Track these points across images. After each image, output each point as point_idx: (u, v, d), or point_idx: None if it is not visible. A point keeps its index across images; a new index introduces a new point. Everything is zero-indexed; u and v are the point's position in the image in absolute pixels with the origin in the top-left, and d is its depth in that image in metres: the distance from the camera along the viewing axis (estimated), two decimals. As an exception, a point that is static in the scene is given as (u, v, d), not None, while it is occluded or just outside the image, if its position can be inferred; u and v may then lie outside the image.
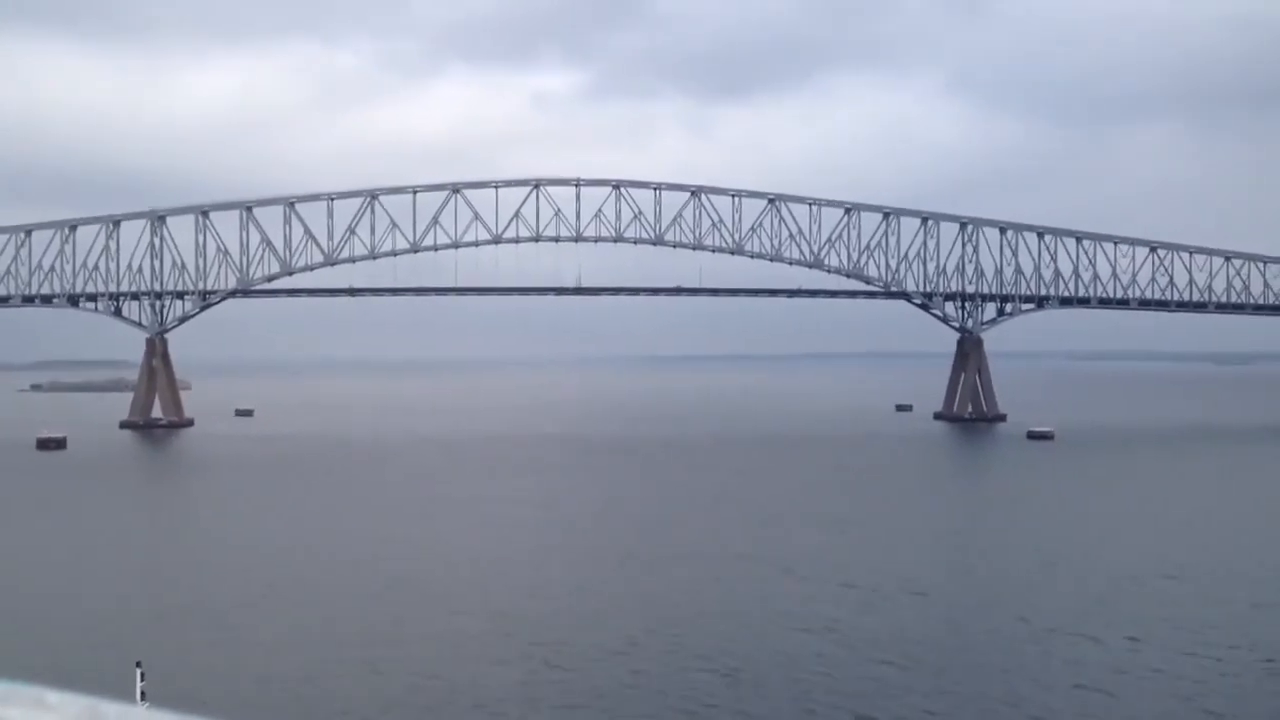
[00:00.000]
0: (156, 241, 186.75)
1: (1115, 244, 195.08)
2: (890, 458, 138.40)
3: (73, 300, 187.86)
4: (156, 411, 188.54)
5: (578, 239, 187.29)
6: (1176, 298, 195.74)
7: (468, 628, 52.39)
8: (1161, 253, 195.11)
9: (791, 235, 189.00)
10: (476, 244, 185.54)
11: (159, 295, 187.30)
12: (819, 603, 57.03)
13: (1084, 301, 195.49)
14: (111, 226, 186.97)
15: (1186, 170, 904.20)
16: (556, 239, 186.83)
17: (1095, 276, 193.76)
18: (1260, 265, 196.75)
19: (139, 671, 35.04)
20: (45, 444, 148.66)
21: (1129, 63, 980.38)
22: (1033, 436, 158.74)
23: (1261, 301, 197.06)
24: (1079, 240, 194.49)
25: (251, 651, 48.80)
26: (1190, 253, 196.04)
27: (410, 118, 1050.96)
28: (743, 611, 55.33)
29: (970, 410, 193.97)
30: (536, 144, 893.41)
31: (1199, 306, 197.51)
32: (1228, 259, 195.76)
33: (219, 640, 50.44)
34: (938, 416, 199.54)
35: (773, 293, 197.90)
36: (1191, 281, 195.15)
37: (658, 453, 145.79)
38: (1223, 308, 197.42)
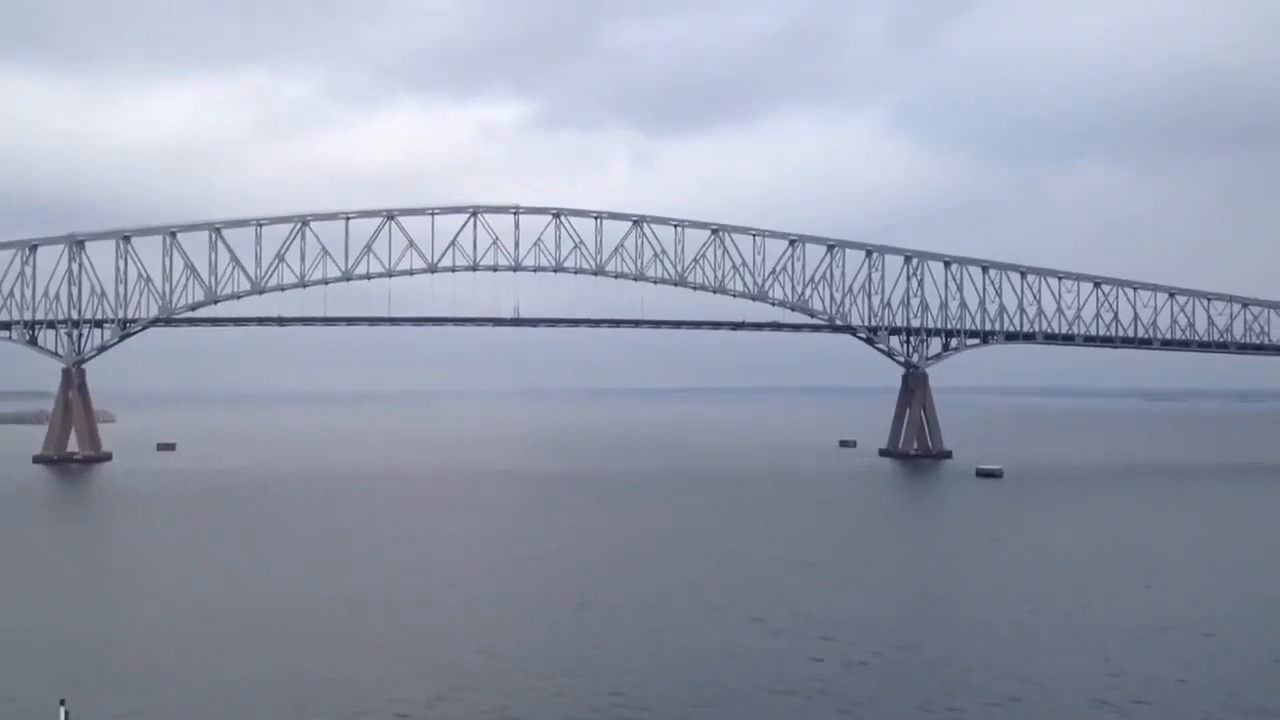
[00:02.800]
0: (75, 267, 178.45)
1: (1060, 279, 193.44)
2: (842, 496, 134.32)
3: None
4: (73, 445, 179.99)
5: (516, 268, 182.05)
6: (1121, 334, 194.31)
7: (413, 694, 46.63)
8: (1106, 288, 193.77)
9: (735, 267, 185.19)
10: (411, 273, 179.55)
11: (76, 324, 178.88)
12: (800, 659, 52.09)
13: (1029, 337, 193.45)
14: (28, 251, 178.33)
15: (1128, 209, 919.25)
16: (494, 268, 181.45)
17: (1040, 312, 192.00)
18: (1204, 301, 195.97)
19: (63, 710, 33.98)
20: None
21: (1072, 103, 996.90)
22: (981, 474, 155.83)
23: (1206, 339, 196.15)
24: (1024, 275, 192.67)
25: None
26: (1134, 289, 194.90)
27: (356, 148, 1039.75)
28: (717, 670, 50.20)
29: (916, 446, 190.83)
30: (482, 175, 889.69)
31: (1144, 343, 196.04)
32: (1171, 295, 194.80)
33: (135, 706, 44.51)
34: (883, 453, 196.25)
35: (715, 325, 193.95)
36: (1136, 318, 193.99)
37: (603, 490, 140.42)
38: (1167, 344, 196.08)
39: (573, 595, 68.32)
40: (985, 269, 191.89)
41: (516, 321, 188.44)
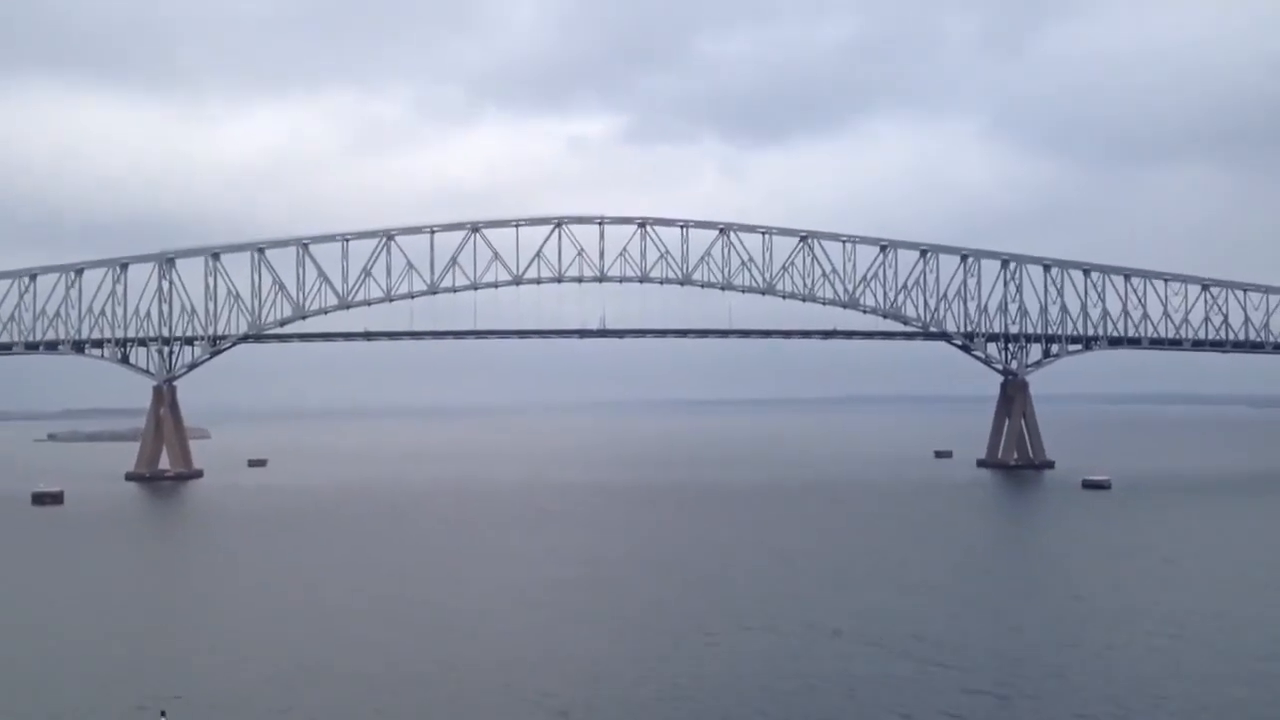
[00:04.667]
0: (165, 285, 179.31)
1: (1166, 281, 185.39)
2: (946, 510, 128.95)
3: (78, 347, 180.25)
4: (164, 462, 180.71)
5: (602, 279, 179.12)
6: (1232, 337, 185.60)
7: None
8: (1215, 290, 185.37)
9: (824, 274, 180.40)
10: (496, 285, 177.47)
11: (167, 341, 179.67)
12: (932, 690, 47.78)
13: (1135, 342, 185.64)
14: (119, 270, 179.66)
15: (1223, 210, 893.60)
16: (580, 279, 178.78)
17: (1145, 316, 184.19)
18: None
19: None
20: (41, 498, 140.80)
21: (1169, 104, 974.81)
22: (1088, 486, 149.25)
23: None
24: (1128, 278, 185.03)
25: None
26: (1245, 290, 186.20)
27: (447, 164, 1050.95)
28: (839, 701, 46.26)
29: (1016, 457, 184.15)
30: (570, 189, 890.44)
31: (1255, 346, 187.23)
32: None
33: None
34: (981, 464, 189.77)
35: (805, 334, 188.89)
36: (1247, 320, 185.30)
37: (698, 503, 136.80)
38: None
39: (680, 620, 64.58)
40: (1087, 272, 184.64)
41: (603, 333, 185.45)
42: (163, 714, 34.11)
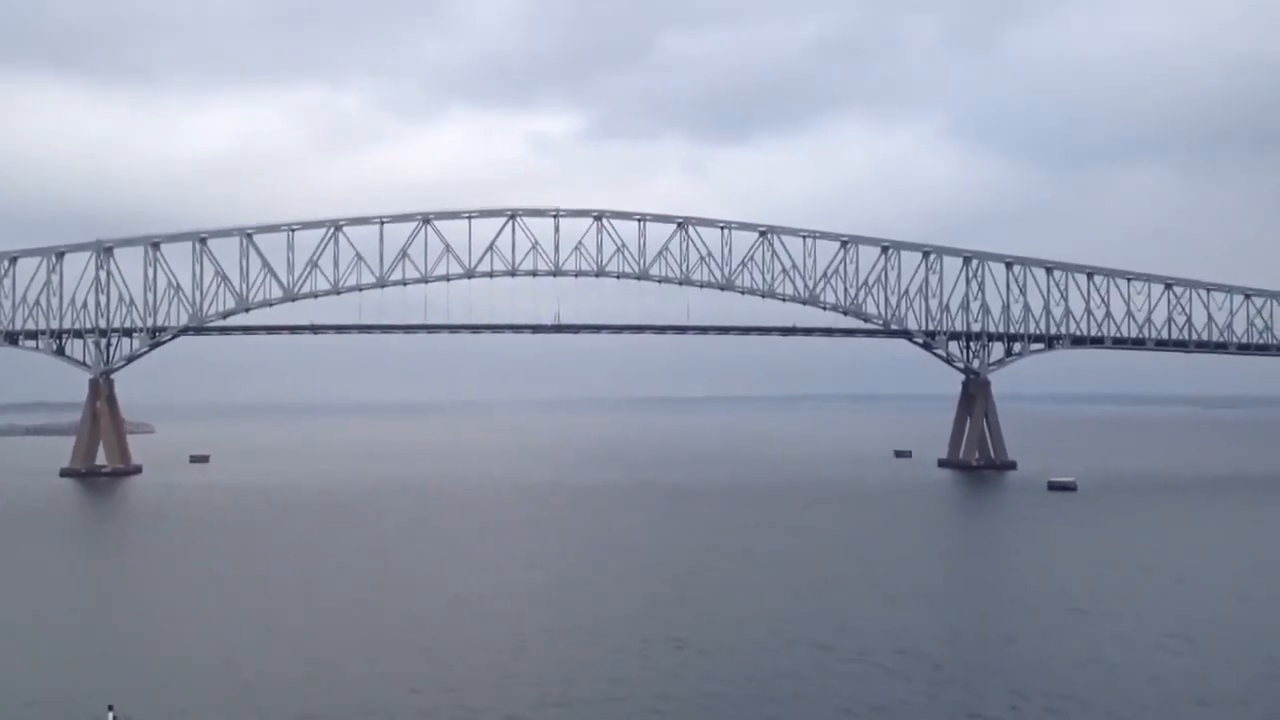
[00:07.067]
0: (102, 275, 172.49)
1: (1129, 280, 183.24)
2: (910, 512, 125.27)
3: (11, 338, 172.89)
4: (101, 458, 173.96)
5: (556, 273, 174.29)
6: (1195, 337, 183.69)
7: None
8: (1178, 290, 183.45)
9: (785, 270, 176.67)
10: (448, 279, 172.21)
11: (104, 333, 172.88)
12: (947, 715, 43.65)
13: (1097, 341, 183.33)
14: (54, 259, 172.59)
15: (1183, 210, 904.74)
16: (534, 273, 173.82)
17: (1108, 315, 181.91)
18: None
19: (112, 716, 33.38)
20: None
21: (1127, 106, 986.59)
22: (1054, 487, 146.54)
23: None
24: (1090, 276, 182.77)
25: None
26: (1208, 290, 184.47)
27: (408, 159, 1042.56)
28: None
29: (978, 457, 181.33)
30: (533, 186, 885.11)
31: (1219, 347, 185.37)
32: (1248, 296, 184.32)
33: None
34: (942, 464, 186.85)
35: (764, 331, 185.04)
36: (1210, 320, 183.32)
37: (657, 503, 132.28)
38: (1245, 348, 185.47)
39: (658, 632, 60.05)
40: (1049, 270, 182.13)
41: (557, 328, 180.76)
42: (110, 708, 31.50)
